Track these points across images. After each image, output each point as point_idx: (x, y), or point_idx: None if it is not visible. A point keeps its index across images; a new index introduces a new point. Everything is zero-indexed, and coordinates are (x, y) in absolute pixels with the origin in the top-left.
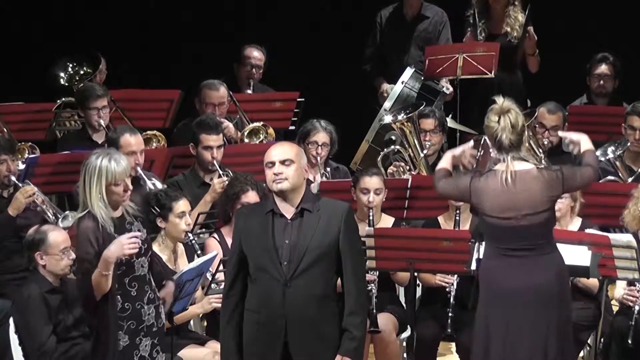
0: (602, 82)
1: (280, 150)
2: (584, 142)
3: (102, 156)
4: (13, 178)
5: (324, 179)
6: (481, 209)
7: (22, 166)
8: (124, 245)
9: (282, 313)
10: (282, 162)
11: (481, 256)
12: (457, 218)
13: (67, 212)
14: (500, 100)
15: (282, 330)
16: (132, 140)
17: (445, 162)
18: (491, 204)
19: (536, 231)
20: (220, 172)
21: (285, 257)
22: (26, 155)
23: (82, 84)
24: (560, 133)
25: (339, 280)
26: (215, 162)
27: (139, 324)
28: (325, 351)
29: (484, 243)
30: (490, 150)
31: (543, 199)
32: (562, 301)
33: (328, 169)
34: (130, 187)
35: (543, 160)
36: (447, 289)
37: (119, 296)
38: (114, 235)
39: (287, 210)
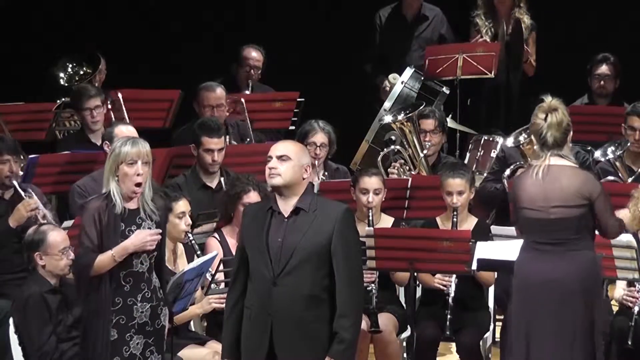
0: (602, 82)
1: (281, 146)
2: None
3: (123, 140)
4: (15, 183)
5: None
6: (518, 202)
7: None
8: (147, 239)
9: (269, 311)
10: (279, 158)
11: (482, 256)
12: (455, 219)
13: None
14: (548, 99)
15: (268, 327)
16: (126, 132)
17: None
18: (525, 195)
19: (567, 225)
20: (222, 180)
21: (274, 255)
22: None
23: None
24: None
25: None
26: (215, 165)
27: (129, 320)
28: (312, 352)
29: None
30: (535, 146)
31: (574, 194)
32: (588, 300)
33: (326, 173)
34: (141, 172)
35: None
36: (446, 291)
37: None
38: (120, 224)
39: (285, 208)
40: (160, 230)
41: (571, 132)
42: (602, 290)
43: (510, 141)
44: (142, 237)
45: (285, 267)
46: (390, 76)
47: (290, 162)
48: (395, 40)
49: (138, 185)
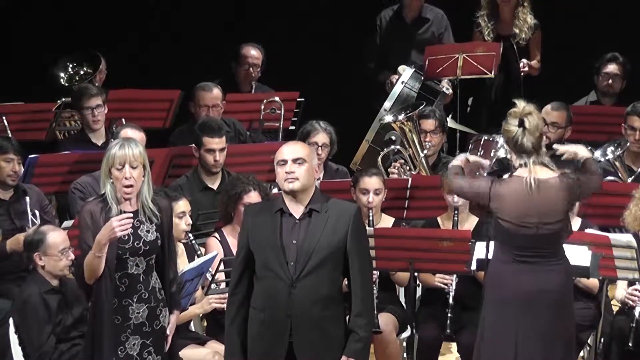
0: (610, 81)
1: (293, 149)
2: (582, 151)
3: (116, 142)
4: (27, 200)
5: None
6: (500, 214)
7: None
8: (114, 226)
9: (288, 313)
10: (295, 161)
11: (482, 256)
12: (456, 218)
13: None
14: (520, 104)
15: (287, 329)
16: (131, 135)
17: (458, 161)
18: (511, 209)
19: (552, 239)
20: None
21: (292, 257)
22: None
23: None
24: (555, 146)
25: (344, 281)
26: (218, 165)
27: (124, 320)
28: (330, 351)
29: (489, 243)
30: (509, 155)
31: (563, 208)
32: (568, 306)
33: (320, 177)
34: (128, 175)
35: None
36: (446, 290)
37: None
38: None
39: (296, 210)
40: (131, 215)
41: (544, 136)
42: (572, 292)
43: (502, 152)
44: (109, 226)
45: (304, 269)
46: (400, 68)
47: (306, 165)
48: (395, 43)
49: (128, 187)
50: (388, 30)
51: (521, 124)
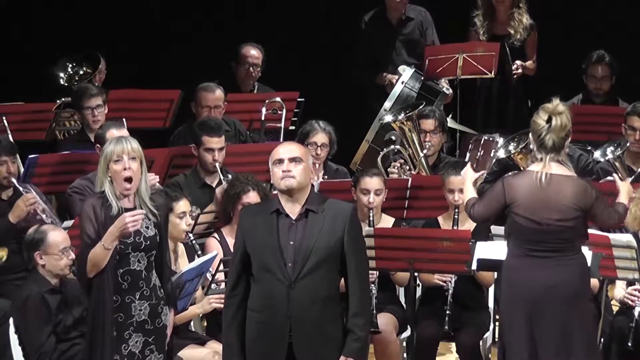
0: (599, 84)
1: (289, 148)
2: (622, 194)
3: (110, 140)
4: (14, 180)
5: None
6: (514, 207)
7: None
8: (127, 222)
9: (287, 314)
10: (291, 160)
11: (482, 256)
12: (456, 217)
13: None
14: (555, 101)
15: (287, 330)
16: (117, 134)
17: (471, 192)
18: (524, 203)
19: (564, 236)
20: (221, 177)
21: (290, 258)
22: None
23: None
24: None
25: (342, 281)
26: (216, 164)
27: (127, 318)
28: (329, 351)
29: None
30: (531, 146)
31: (572, 207)
32: (584, 301)
33: (325, 177)
34: (128, 166)
35: None
36: (445, 287)
37: None
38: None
39: (292, 210)
40: (143, 211)
41: (570, 137)
42: (590, 288)
43: (501, 153)
44: (122, 220)
45: (302, 269)
46: (400, 68)
47: (302, 164)
48: (382, 44)
49: (128, 180)
50: (374, 33)
51: (549, 120)
